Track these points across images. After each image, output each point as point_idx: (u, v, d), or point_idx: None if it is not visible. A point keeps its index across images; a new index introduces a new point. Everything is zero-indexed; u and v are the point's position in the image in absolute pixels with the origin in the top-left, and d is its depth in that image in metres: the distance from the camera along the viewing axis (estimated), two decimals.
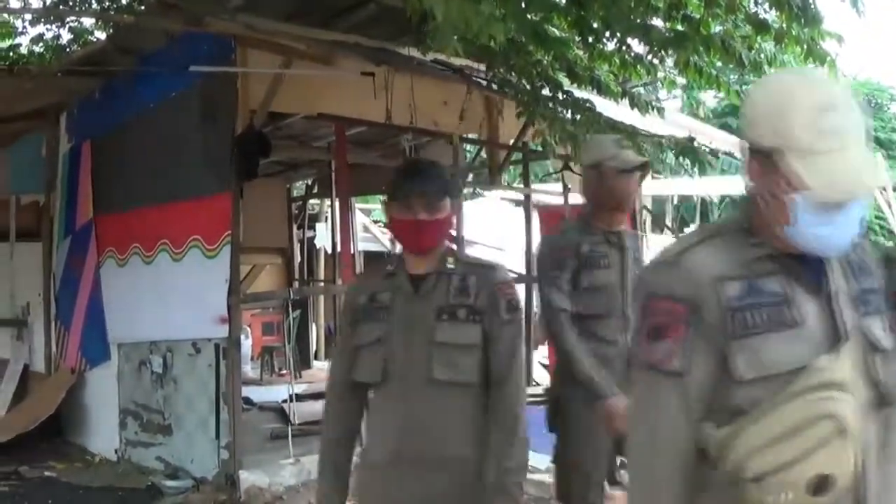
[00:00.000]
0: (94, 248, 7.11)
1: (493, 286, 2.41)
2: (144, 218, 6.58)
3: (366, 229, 11.88)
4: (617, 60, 5.28)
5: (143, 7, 6.83)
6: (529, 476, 6.05)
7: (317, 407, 7.39)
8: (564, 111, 4.96)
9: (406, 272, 2.47)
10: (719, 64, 5.05)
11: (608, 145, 3.44)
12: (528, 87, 5.13)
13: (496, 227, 14.00)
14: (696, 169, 4.51)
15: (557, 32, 4.99)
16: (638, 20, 4.37)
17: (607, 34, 4.79)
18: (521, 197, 13.32)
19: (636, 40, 4.56)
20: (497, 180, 7.71)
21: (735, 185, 14.60)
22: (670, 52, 4.61)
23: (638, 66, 5.21)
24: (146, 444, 6.49)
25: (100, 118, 7.14)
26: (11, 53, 7.23)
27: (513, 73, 5.24)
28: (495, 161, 7.59)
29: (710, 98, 22.46)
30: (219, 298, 5.72)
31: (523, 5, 3.88)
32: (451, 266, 2.45)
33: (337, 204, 8.43)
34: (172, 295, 6.24)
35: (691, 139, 4.71)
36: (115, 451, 6.79)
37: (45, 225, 7.96)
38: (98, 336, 7.00)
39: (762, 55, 4.69)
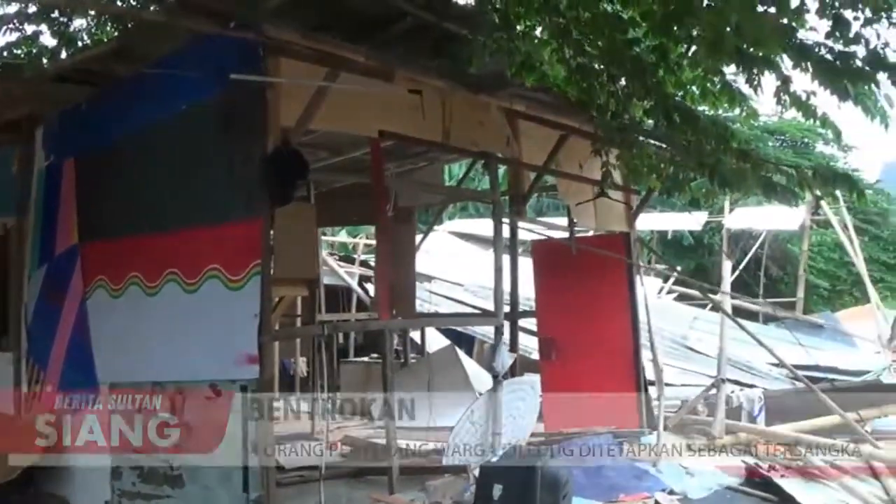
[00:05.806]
0: (80, 278, 6.36)
1: None
2: (146, 245, 5.92)
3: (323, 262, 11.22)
4: (696, 89, 5.03)
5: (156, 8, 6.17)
6: None
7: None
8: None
9: None
10: None
11: None
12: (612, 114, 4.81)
13: (452, 263, 13.66)
14: (854, 196, 4.24)
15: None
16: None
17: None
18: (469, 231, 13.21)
19: (789, 61, 4.27)
20: (522, 209, 7.22)
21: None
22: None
23: (721, 96, 4.95)
24: (147, 497, 5.77)
25: (88, 133, 6.44)
26: (5, 53, 6.28)
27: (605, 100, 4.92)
28: (520, 187, 7.10)
29: None
30: (246, 335, 5.14)
31: None
32: None
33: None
34: (184, 330, 5.60)
35: (844, 170, 4.52)
36: None
37: (16, 251, 7.09)
38: (83, 375, 6.25)
39: None
